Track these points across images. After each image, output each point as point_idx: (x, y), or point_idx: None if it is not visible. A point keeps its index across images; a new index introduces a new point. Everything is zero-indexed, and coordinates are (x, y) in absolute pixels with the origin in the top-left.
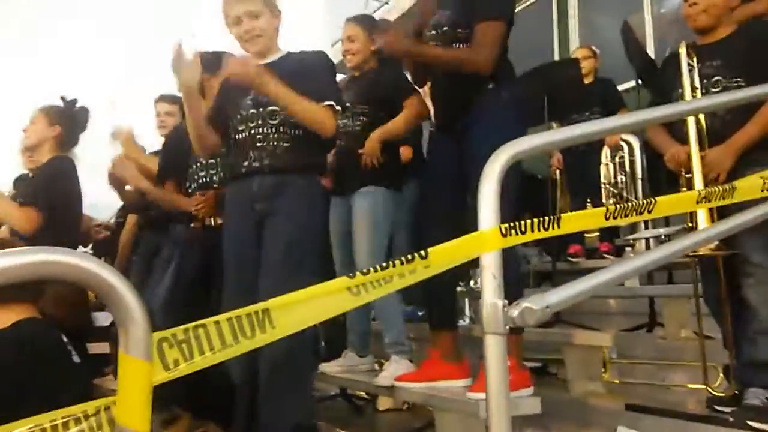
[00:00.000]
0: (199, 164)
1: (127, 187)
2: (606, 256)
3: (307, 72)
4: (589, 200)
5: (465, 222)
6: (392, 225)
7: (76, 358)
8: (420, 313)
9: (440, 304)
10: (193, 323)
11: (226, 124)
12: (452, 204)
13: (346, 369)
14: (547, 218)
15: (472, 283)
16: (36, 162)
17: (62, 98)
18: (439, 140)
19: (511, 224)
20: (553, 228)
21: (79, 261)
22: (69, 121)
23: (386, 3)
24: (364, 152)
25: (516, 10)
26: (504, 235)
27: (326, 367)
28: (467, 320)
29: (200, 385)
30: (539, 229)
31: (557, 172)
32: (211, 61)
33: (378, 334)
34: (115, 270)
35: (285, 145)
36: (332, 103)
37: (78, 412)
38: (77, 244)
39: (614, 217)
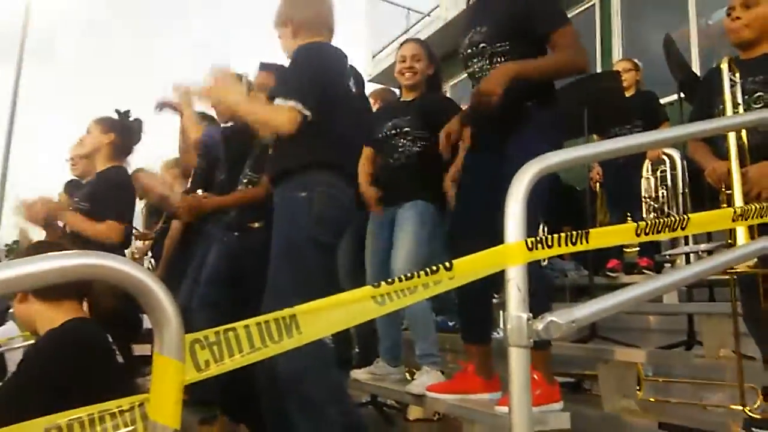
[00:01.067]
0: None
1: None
2: (645, 271)
3: (289, 69)
4: (629, 214)
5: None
6: (433, 242)
7: (119, 359)
8: (450, 324)
9: (474, 317)
10: (224, 326)
11: None
12: (486, 223)
13: (377, 377)
14: (575, 233)
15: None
16: (89, 169)
17: (117, 111)
18: (475, 159)
19: (538, 238)
20: (581, 243)
21: (118, 264)
22: (123, 129)
23: (427, 15)
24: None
25: None
26: (530, 249)
27: (358, 374)
28: (500, 332)
29: (237, 388)
30: (566, 244)
31: (596, 184)
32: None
33: (409, 344)
34: (151, 273)
35: (273, 153)
36: (289, 102)
37: (114, 407)
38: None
39: (645, 233)
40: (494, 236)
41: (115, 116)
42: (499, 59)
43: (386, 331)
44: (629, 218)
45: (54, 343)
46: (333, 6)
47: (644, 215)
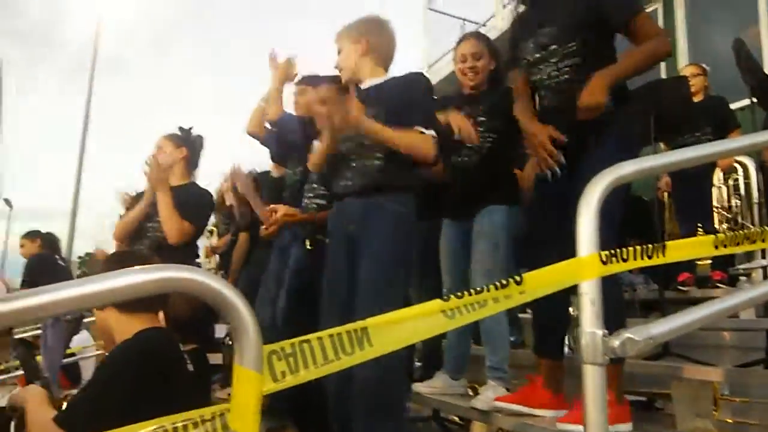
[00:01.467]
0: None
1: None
2: (719, 285)
3: (405, 95)
4: (700, 225)
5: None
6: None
7: (190, 367)
8: (512, 339)
9: (549, 331)
10: (299, 338)
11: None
12: (559, 231)
13: (439, 391)
14: (651, 246)
15: (571, 310)
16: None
17: (180, 128)
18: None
19: (613, 251)
20: (657, 256)
21: (200, 277)
22: (191, 144)
23: (483, 25)
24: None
25: None
26: (604, 263)
27: (420, 388)
28: (566, 348)
29: (307, 397)
30: (642, 257)
31: (665, 194)
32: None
33: (476, 359)
34: (232, 286)
35: (376, 163)
36: (432, 132)
37: (196, 417)
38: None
39: (724, 246)
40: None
41: (179, 132)
42: (568, 61)
43: (456, 341)
44: (699, 230)
45: (126, 352)
46: (395, 46)
47: (716, 226)
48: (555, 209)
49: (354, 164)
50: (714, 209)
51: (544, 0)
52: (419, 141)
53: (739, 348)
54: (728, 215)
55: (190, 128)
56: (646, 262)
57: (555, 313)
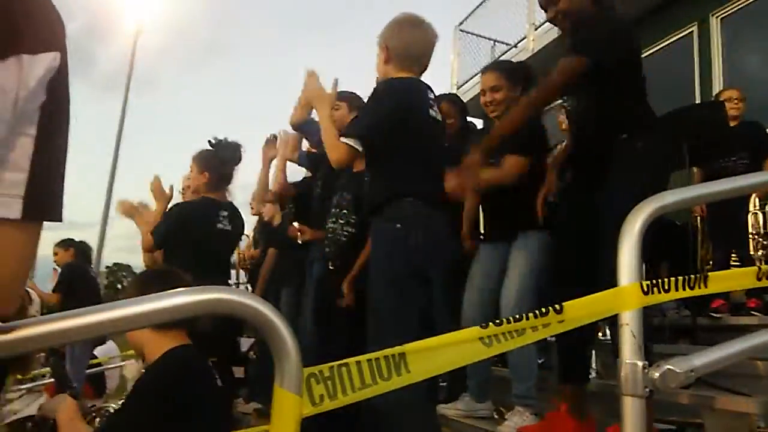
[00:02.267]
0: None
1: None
2: (754, 312)
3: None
4: (734, 252)
5: (595, 275)
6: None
7: (218, 382)
8: (540, 361)
9: (574, 357)
10: (338, 362)
11: None
12: (583, 256)
13: (463, 413)
14: (693, 276)
15: (600, 334)
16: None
17: (209, 141)
18: (572, 190)
19: (654, 281)
20: (699, 287)
21: (246, 300)
22: (218, 163)
23: (514, 47)
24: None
25: (655, 50)
26: (645, 293)
27: (445, 409)
28: (593, 373)
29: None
30: (684, 288)
31: (698, 219)
32: None
33: (501, 380)
34: (275, 308)
35: (369, 184)
36: (347, 141)
37: None
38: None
39: (767, 278)
40: (592, 276)
41: (209, 147)
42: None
43: (475, 368)
44: (734, 256)
45: (159, 374)
46: (431, 42)
47: (751, 253)
48: (577, 235)
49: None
50: (749, 236)
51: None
52: (334, 146)
53: None
54: (764, 242)
55: (222, 140)
56: (688, 293)
57: (580, 337)
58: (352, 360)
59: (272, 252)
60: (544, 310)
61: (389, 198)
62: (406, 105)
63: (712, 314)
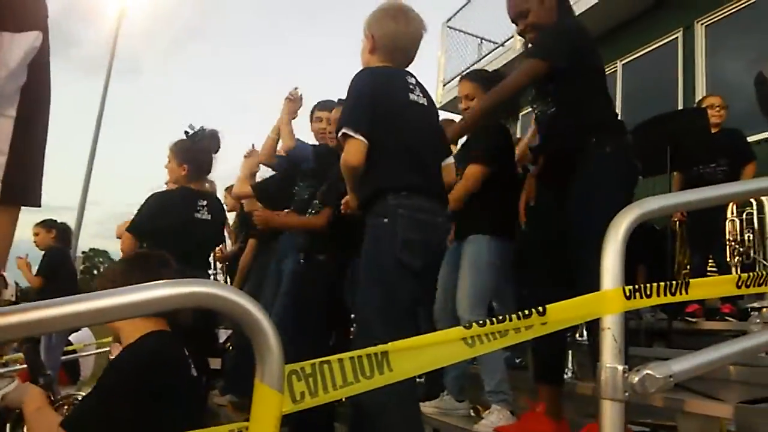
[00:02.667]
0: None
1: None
2: (728, 318)
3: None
4: (711, 257)
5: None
6: (495, 275)
7: (193, 372)
8: (517, 360)
9: (548, 357)
10: (320, 359)
11: None
12: (551, 257)
13: (442, 411)
14: (674, 282)
15: (577, 335)
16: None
17: (186, 132)
18: (541, 192)
19: (636, 287)
20: (680, 293)
21: (230, 294)
22: (195, 156)
23: (501, 45)
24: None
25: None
26: (628, 298)
27: (423, 407)
28: (569, 373)
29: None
30: (666, 294)
31: (677, 223)
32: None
33: (476, 378)
34: (258, 304)
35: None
36: (357, 137)
37: None
38: None
39: (746, 286)
40: (561, 274)
41: (185, 137)
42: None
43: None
44: (711, 262)
45: (133, 357)
46: (419, 34)
47: (728, 259)
48: (546, 235)
49: None
50: (727, 242)
51: None
52: (343, 155)
53: (745, 383)
54: (740, 248)
55: (200, 128)
56: (669, 299)
57: (555, 337)
58: (334, 357)
59: (252, 243)
60: (527, 312)
61: (376, 193)
62: (382, 92)
63: (688, 318)
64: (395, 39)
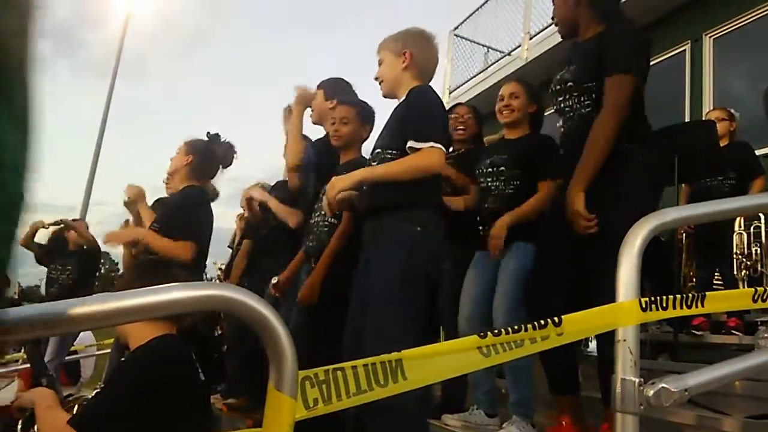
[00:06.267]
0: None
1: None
2: (734, 332)
3: (411, 108)
4: (717, 270)
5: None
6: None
7: (201, 376)
8: None
9: (564, 368)
10: (333, 365)
11: None
12: (570, 267)
13: (470, 426)
14: (690, 295)
15: (582, 345)
16: (172, 189)
17: (207, 133)
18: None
19: (652, 299)
20: (696, 306)
21: (246, 299)
22: (205, 152)
23: (508, 55)
24: (491, 235)
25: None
26: (644, 310)
27: (449, 420)
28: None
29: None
30: (682, 307)
31: (683, 236)
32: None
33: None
34: (273, 310)
35: (380, 185)
36: (433, 144)
37: None
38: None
39: (763, 300)
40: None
41: (204, 138)
42: (585, 97)
43: (479, 378)
44: (717, 275)
45: (142, 359)
46: (438, 60)
47: (735, 272)
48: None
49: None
50: (734, 256)
51: (575, 46)
52: (416, 159)
53: (751, 397)
54: (748, 262)
55: (217, 135)
56: (685, 312)
57: (566, 348)
58: (348, 364)
59: (247, 243)
60: (542, 322)
61: (416, 201)
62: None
63: (694, 331)
64: (428, 61)
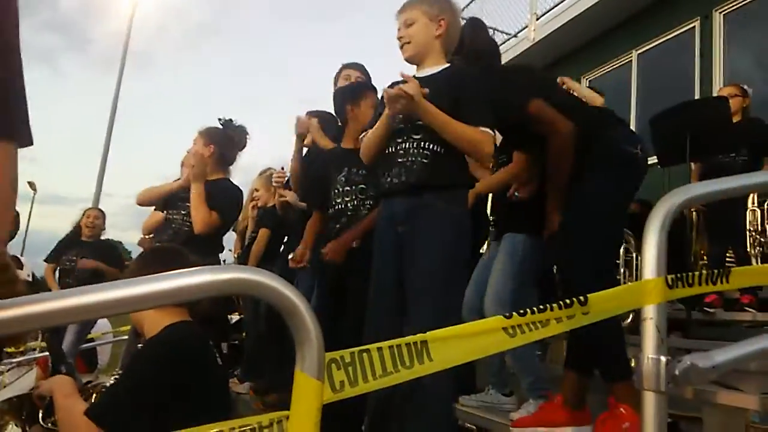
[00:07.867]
0: (336, 191)
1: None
2: (747, 309)
3: (466, 90)
4: (731, 248)
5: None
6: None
7: (219, 361)
8: (537, 353)
9: (578, 346)
10: (359, 348)
11: None
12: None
13: (487, 405)
14: (716, 271)
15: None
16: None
17: (219, 119)
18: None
19: (678, 275)
20: (722, 282)
21: (272, 282)
22: (224, 140)
23: (514, 36)
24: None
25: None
26: (670, 287)
27: (467, 400)
28: None
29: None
30: (707, 283)
31: (694, 213)
32: (356, 90)
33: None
34: (299, 293)
35: (424, 161)
36: (487, 129)
37: (254, 423)
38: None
39: None
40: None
41: (218, 125)
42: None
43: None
44: (730, 252)
45: (159, 347)
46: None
47: (748, 249)
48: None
49: (401, 160)
50: (747, 232)
51: None
52: (479, 137)
53: (763, 374)
54: (762, 239)
55: (230, 120)
56: (710, 288)
57: (609, 334)
58: (373, 346)
59: (264, 233)
60: (568, 301)
61: (462, 182)
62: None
63: (706, 309)
64: (456, 36)
